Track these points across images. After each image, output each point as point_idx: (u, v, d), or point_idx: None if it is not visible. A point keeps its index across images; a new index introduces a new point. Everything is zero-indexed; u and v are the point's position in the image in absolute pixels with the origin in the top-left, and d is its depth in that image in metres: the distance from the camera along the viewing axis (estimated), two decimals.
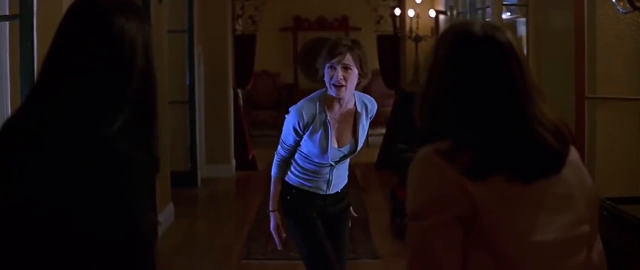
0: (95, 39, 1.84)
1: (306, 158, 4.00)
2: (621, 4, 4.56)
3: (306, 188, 4.04)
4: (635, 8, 4.49)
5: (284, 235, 4.12)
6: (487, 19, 7.46)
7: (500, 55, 1.72)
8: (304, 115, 3.87)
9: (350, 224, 4.23)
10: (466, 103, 1.70)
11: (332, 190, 4.08)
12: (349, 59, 3.79)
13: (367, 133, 4.05)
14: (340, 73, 3.78)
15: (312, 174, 4.03)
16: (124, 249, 1.78)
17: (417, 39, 11.49)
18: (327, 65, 3.82)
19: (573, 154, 1.78)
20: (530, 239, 1.66)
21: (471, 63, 1.72)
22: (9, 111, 3.91)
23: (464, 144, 1.68)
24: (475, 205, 1.64)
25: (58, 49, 1.88)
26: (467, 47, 1.74)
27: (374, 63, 12.96)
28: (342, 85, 3.80)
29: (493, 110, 1.69)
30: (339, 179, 4.10)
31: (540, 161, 1.69)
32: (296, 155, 4.02)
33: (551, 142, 1.69)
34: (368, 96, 4.10)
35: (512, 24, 8.00)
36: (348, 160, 4.09)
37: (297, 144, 3.96)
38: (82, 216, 1.77)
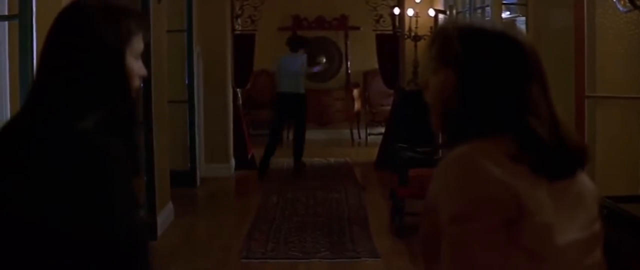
0: (78, 42, 1.89)
1: None
2: (621, 2, 4.55)
3: None
4: (635, 7, 4.47)
5: None
6: (487, 18, 7.46)
7: (539, 62, 1.74)
8: None
9: None
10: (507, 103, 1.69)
11: None
12: None
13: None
14: None
15: None
16: (104, 247, 1.79)
17: (417, 38, 11.44)
18: None
19: None
20: (559, 237, 1.64)
21: (511, 68, 1.72)
22: (8, 110, 3.92)
23: (526, 141, 1.65)
24: (520, 205, 1.59)
25: (45, 53, 1.94)
26: (513, 52, 1.74)
27: (373, 62, 12.98)
28: None
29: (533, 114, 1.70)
30: None
31: (567, 160, 1.70)
32: None
33: (576, 141, 1.72)
34: None
35: (511, 23, 7.98)
36: None
37: None
38: (62, 213, 1.79)
